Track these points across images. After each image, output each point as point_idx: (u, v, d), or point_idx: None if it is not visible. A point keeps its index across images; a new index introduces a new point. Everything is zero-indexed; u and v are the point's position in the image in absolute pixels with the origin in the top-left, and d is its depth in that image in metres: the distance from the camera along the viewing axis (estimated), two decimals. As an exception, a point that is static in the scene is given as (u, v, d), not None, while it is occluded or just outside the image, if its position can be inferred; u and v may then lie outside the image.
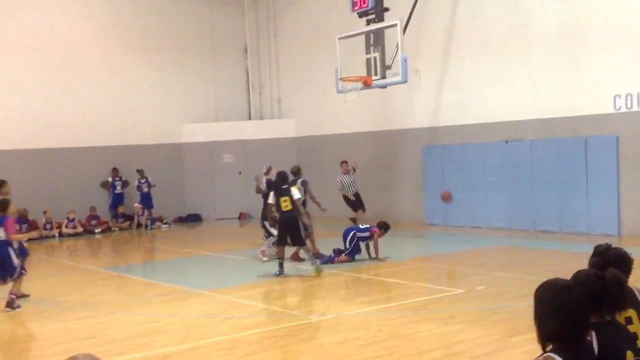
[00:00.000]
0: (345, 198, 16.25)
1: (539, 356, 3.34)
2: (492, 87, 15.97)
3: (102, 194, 19.86)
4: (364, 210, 16.19)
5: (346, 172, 16.28)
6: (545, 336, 3.36)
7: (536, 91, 15.22)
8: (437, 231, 16.30)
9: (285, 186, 11.47)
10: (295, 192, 11.47)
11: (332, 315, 8.67)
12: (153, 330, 8.56)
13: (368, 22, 14.81)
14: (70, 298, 10.47)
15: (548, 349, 3.34)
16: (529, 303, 3.30)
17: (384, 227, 12.52)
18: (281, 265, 11.39)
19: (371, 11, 14.78)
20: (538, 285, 3.38)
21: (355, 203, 16.21)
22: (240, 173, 20.62)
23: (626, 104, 13.72)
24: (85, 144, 19.38)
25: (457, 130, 16.78)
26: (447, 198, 14.87)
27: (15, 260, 9.73)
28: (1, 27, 18.54)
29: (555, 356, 3.23)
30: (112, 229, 19.36)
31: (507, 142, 15.71)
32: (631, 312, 3.80)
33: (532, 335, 3.56)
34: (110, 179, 19.92)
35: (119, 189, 19.95)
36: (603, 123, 14.06)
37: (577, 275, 3.93)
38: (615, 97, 13.83)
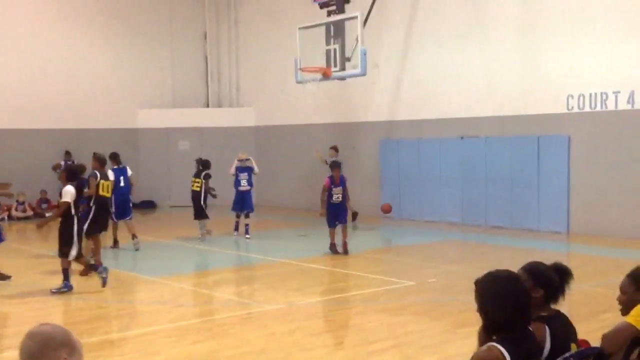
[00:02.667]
0: None
1: (484, 346, 3.40)
2: (449, 84, 16.13)
3: (53, 177, 19.43)
4: None
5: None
6: (490, 326, 3.41)
7: (492, 89, 15.43)
8: (392, 224, 16.42)
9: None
10: None
11: (283, 305, 8.66)
12: (100, 315, 8.43)
13: (329, 14, 14.80)
14: (17, 282, 10.21)
15: (491, 339, 3.40)
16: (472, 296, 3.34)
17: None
18: None
19: (332, 2, 14.78)
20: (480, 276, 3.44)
21: None
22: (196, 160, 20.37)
23: (578, 104, 14.01)
24: (36, 125, 18.91)
25: (414, 125, 16.91)
26: (387, 210, 15.03)
27: None
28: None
29: (499, 346, 3.29)
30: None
31: (462, 138, 15.91)
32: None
33: (479, 326, 3.62)
34: (62, 163, 19.47)
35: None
36: (555, 123, 14.34)
37: (525, 267, 3.99)
38: (568, 97, 14.11)
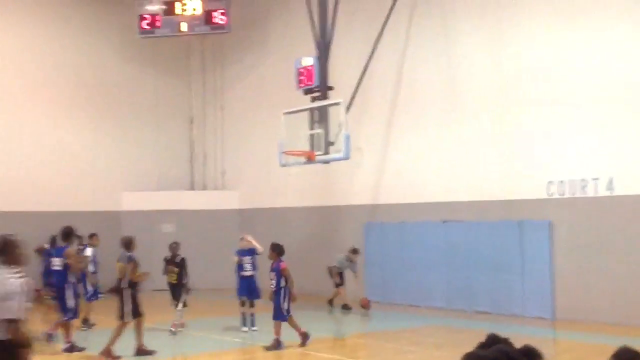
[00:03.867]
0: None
1: None
2: (430, 168, 16.38)
3: (34, 260, 19.20)
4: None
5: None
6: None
7: (472, 174, 15.64)
8: (376, 308, 16.24)
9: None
10: None
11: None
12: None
13: (313, 99, 15.17)
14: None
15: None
16: None
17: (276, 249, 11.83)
18: None
19: (316, 89, 15.18)
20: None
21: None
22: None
23: (558, 190, 14.23)
24: (20, 208, 18.82)
25: (397, 209, 17.04)
26: (365, 305, 15.10)
27: None
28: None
29: None
30: (44, 297, 18.62)
31: (445, 222, 16.01)
32: None
33: None
34: (47, 246, 19.28)
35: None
36: (536, 208, 14.49)
37: (496, 348, 3.98)
38: (548, 183, 14.35)
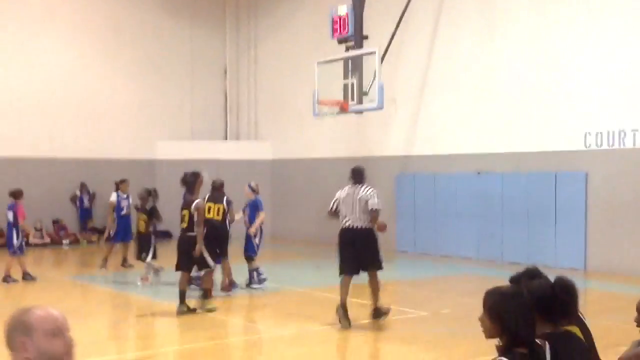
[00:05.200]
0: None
1: (493, 359, 3.40)
2: (465, 119, 16.21)
3: (71, 206, 19.71)
4: None
5: None
6: (494, 336, 3.42)
7: (508, 125, 15.47)
8: (407, 258, 16.34)
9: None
10: None
11: (295, 331, 8.62)
12: (113, 336, 8.45)
13: (347, 49, 15.00)
14: (31, 303, 10.27)
15: (497, 353, 3.41)
16: None
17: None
18: None
19: (351, 38, 14.99)
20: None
21: None
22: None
23: (596, 142, 14.00)
24: (55, 154, 19.20)
25: (430, 160, 16.96)
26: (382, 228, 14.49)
27: None
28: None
29: (503, 358, 3.29)
30: (80, 241, 19.16)
31: (479, 173, 15.91)
32: (575, 329, 3.86)
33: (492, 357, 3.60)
34: (78, 193, 19.74)
35: (86, 204, 19.75)
36: (573, 159, 14.32)
37: (527, 284, 4.01)
38: (585, 134, 14.12)
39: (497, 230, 15.46)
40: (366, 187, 9.06)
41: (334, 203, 9.08)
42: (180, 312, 9.25)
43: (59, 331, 2.49)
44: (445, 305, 10.36)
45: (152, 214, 12.36)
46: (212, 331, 8.92)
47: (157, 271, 12.13)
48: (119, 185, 14.62)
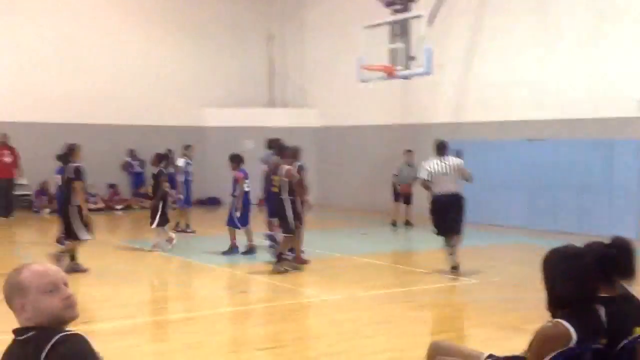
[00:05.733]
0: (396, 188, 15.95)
1: (548, 322, 3.33)
2: (516, 85, 15.83)
3: (123, 172, 20.10)
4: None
5: (409, 163, 15.97)
6: (554, 302, 3.35)
7: (561, 92, 15.06)
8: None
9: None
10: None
11: (344, 296, 8.64)
12: (165, 297, 8.61)
13: (394, 12, 14.74)
14: (86, 266, 10.52)
15: (557, 315, 3.33)
16: (544, 296, 3.28)
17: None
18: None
19: (397, 1, 14.72)
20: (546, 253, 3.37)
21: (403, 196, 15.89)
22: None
23: (655, 108, 13.53)
24: (105, 121, 19.51)
25: (480, 127, 16.66)
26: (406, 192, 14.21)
27: None
28: (36, 7, 18.76)
29: (564, 322, 3.22)
30: (133, 206, 19.54)
31: (530, 140, 15.57)
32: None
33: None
34: (128, 159, 20.09)
35: (137, 169, 20.10)
36: (629, 127, 13.88)
37: (587, 244, 3.90)
38: (641, 101, 13.66)
39: (549, 200, 15.16)
40: (452, 157, 10.28)
41: (428, 174, 10.04)
42: (275, 271, 9.77)
43: (54, 287, 2.41)
44: (496, 274, 10.23)
45: (157, 179, 12.07)
46: (261, 294, 9.00)
47: (168, 240, 11.97)
48: (185, 151, 14.91)
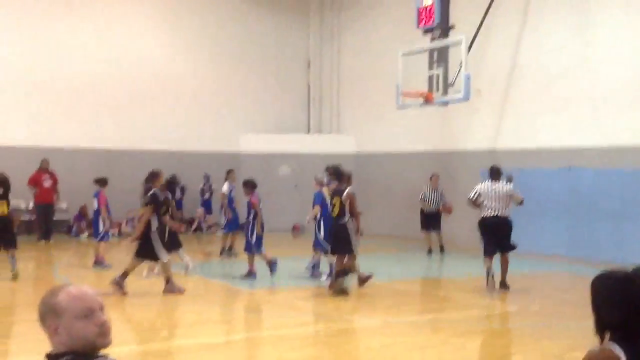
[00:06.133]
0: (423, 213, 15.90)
1: (596, 346, 3.23)
2: (555, 112, 15.66)
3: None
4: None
5: (435, 188, 16.01)
6: (603, 327, 3.25)
7: (601, 119, 14.84)
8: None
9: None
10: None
11: (380, 321, 8.54)
12: (201, 320, 8.61)
13: (432, 39, 14.77)
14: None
15: (606, 338, 3.23)
16: (586, 324, 3.21)
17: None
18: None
19: (436, 28, 14.74)
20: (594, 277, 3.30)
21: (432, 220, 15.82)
22: (295, 186, 20.69)
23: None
24: (145, 146, 19.79)
25: (517, 154, 16.48)
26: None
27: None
28: (77, 33, 19.25)
29: (613, 345, 3.12)
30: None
31: (570, 168, 15.34)
32: None
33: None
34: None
35: (177, 195, 20.26)
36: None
37: (636, 268, 3.80)
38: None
39: (588, 228, 14.87)
40: (505, 183, 11.05)
41: (475, 194, 10.92)
42: (335, 290, 9.95)
43: (90, 312, 2.36)
44: (535, 301, 10.03)
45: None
46: (298, 318, 8.95)
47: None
48: (228, 175, 15.05)
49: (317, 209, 11.59)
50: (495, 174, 11.08)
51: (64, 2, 19.18)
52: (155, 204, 10.03)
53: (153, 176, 10.56)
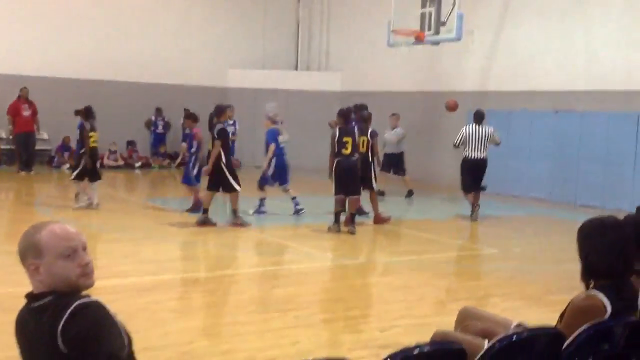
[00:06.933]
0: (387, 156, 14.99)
1: (582, 293, 3.25)
2: (547, 55, 15.51)
3: (143, 130, 20.07)
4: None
5: (394, 127, 15.42)
6: (590, 272, 3.27)
7: (592, 63, 14.74)
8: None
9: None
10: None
11: (363, 261, 8.62)
12: (187, 256, 8.66)
13: (426, -24, 14.45)
14: (109, 223, 10.61)
15: (591, 285, 3.26)
16: (566, 267, 3.21)
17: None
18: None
19: (430, -35, 14.40)
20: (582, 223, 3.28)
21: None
22: (281, 122, 20.52)
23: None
24: (129, 78, 19.47)
25: (506, 96, 16.39)
26: (452, 106, 13.34)
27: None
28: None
29: (599, 293, 3.14)
30: (152, 165, 19.59)
31: (557, 111, 15.31)
32: None
33: (567, 295, 3.45)
34: (153, 118, 20.07)
35: (160, 129, 20.08)
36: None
37: (627, 216, 3.81)
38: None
39: (572, 172, 14.95)
40: (487, 126, 12.14)
41: (460, 139, 12.03)
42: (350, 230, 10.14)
43: (72, 251, 2.30)
44: (516, 244, 10.15)
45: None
46: (283, 257, 9.01)
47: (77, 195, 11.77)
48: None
49: (273, 147, 11.50)
50: (479, 117, 12.15)
51: None
52: (225, 138, 10.36)
53: (219, 110, 10.68)
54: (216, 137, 10.27)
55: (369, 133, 11.08)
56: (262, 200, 11.74)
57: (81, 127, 11.65)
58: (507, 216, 13.32)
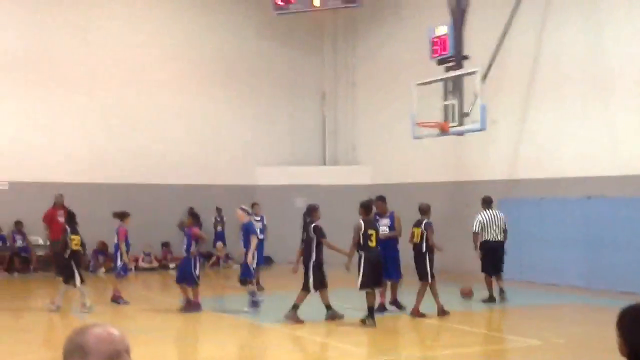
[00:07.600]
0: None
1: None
2: (573, 142, 15.56)
3: (176, 229, 20.24)
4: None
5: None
6: (636, 358, 3.15)
7: (617, 148, 14.73)
8: (511, 285, 15.69)
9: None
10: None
11: (401, 356, 8.41)
12: (220, 357, 8.53)
13: (447, 69, 14.80)
14: (142, 324, 10.56)
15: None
16: (612, 357, 3.12)
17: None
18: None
19: (450, 58, 14.78)
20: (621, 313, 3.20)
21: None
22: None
23: None
24: (161, 181, 19.87)
25: (534, 184, 16.35)
26: (467, 294, 13.33)
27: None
28: (97, 64, 19.51)
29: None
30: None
31: (589, 197, 15.18)
32: None
33: None
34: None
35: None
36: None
37: None
38: None
39: (607, 259, 14.65)
40: (498, 211, 13.03)
41: (478, 226, 12.82)
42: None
43: (117, 354, 2.31)
44: (558, 335, 9.84)
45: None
46: (315, 356, 8.81)
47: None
48: (251, 209, 14.76)
49: (255, 239, 11.72)
50: (488, 202, 13.09)
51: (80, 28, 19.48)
52: (322, 237, 10.50)
53: (312, 210, 10.90)
54: (316, 235, 10.43)
55: (423, 224, 11.39)
56: (252, 292, 11.65)
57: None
58: (545, 305, 13.00)
